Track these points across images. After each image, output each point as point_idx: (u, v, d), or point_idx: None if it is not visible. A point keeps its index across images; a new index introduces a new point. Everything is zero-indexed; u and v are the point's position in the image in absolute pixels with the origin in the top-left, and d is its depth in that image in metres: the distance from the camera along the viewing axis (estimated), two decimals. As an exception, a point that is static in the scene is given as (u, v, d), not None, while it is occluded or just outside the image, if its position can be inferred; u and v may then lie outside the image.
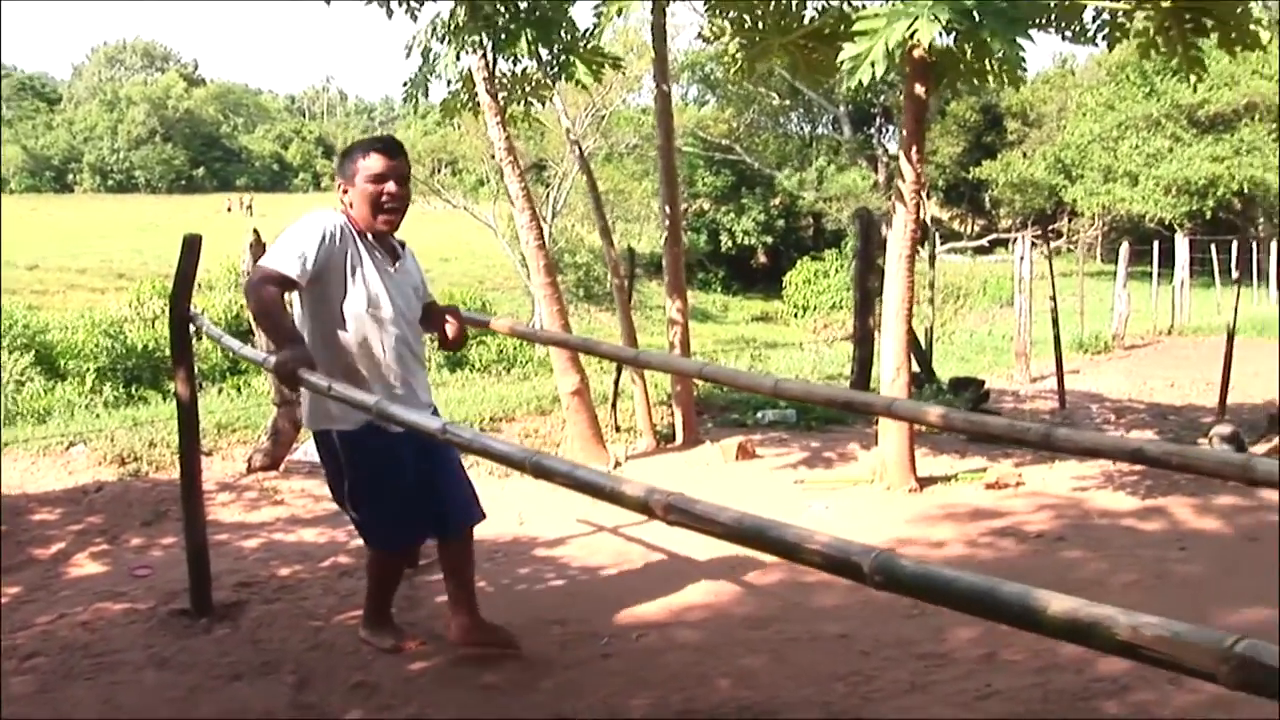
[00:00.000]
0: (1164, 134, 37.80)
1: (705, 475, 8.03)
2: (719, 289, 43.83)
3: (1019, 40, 5.63)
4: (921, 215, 7.27)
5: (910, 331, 11.10)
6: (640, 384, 9.06)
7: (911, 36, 5.50)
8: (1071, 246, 44.32)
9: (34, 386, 16.18)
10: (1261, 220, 41.18)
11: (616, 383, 9.76)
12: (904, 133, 7.11)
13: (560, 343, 8.01)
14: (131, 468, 8.19)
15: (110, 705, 4.02)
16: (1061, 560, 5.77)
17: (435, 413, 4.20)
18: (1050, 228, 45.41)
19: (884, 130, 49.04)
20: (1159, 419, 11.13)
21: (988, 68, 6.78)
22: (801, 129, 49.12)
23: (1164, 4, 6.72)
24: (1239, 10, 6.75)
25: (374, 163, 3.99)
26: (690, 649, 4.50)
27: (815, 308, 36.39)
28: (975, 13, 5.49)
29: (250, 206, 61.81)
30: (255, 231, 7.98)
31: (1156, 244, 23.86)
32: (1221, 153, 35.77)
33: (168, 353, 13.64)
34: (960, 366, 14.61)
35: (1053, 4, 6.87)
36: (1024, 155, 43.56)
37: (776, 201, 43.62)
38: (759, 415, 10.02)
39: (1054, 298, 12.22)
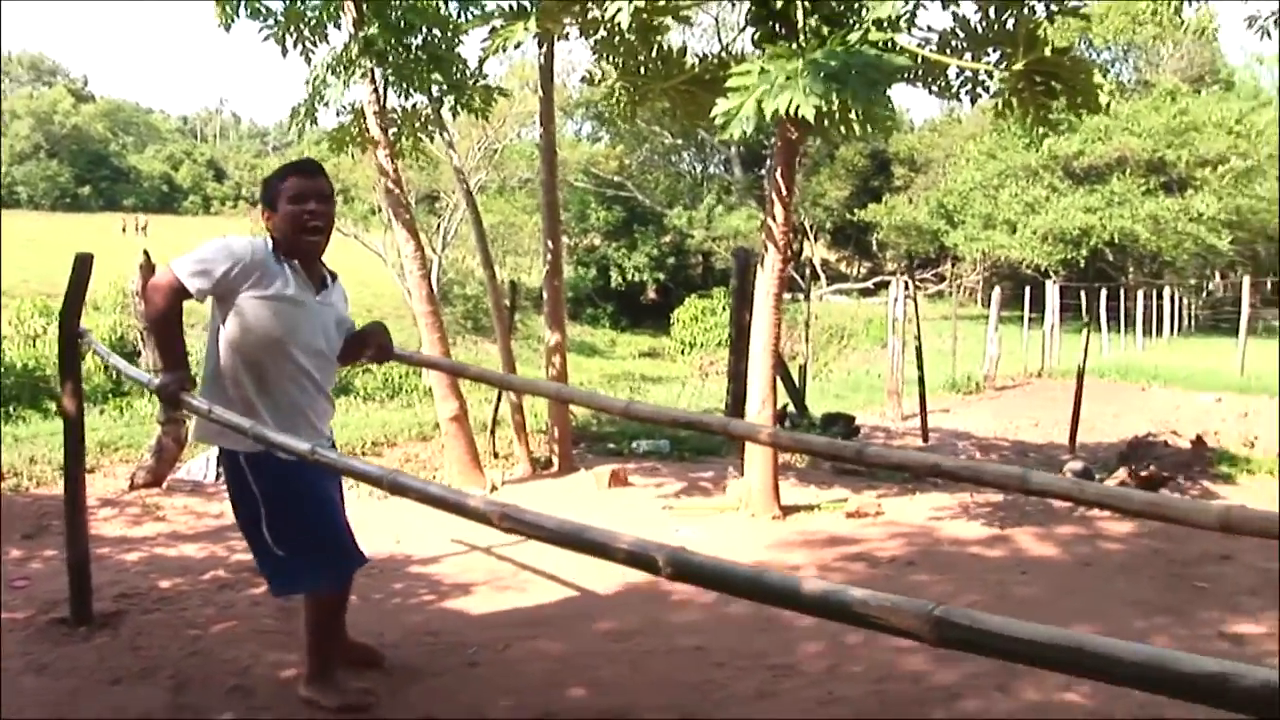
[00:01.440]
0: (1042, 184, 39.13)
1: (579, 501, 8.29)
2: (608, 324, 44.15)
3: (876, 98, 6.02)
4: (790, 256, 7.64)
5: (784, 368, 11.57)
6: (519, 414, 9.33)
7: (789, 107, 5.84)
8: (954, 290, 45.58)
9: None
10: (1131, 269, 42.73)
11: (496, 410, 10.03)
12: (775, 176, 7.47)
13: (434, 365, 8.20)
14: (11, 483, 8.23)
15: (-12, 707, 4.13)
16: (909, 583, 6.14)
17: (333, 446, 4.26)
18: (933, 271, 46.66)
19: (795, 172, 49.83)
20: (1020, 455, 11.69)
21: (853, 120, 7.18)
22: (693, 168, 49.81)
23: (1016, 67, 7.21)
24: (1083, 77, 7.25)
25: (293, 184, 3.88)
26: (553, 659, 4.76)
27: (702, 344, 36.83)
28: (838, 76, 5.85)
29: (145, 228, 60.82)
30: (145, 253, 8.08)
31: (1028, 289, 24.73)
32: (1094, 204, 37.13)
33: (47, 372, 13.51)
34: (836, 404, 15.09)
35: (909, 66, 7.22)
36: (909, 200, 44.64)
37: (667, 239, 44.13)
38: (634, 445, 10.35)
39: (919, 338, 12.75)
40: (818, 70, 5.84)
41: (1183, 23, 37.36)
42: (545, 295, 9.77)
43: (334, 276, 4.16)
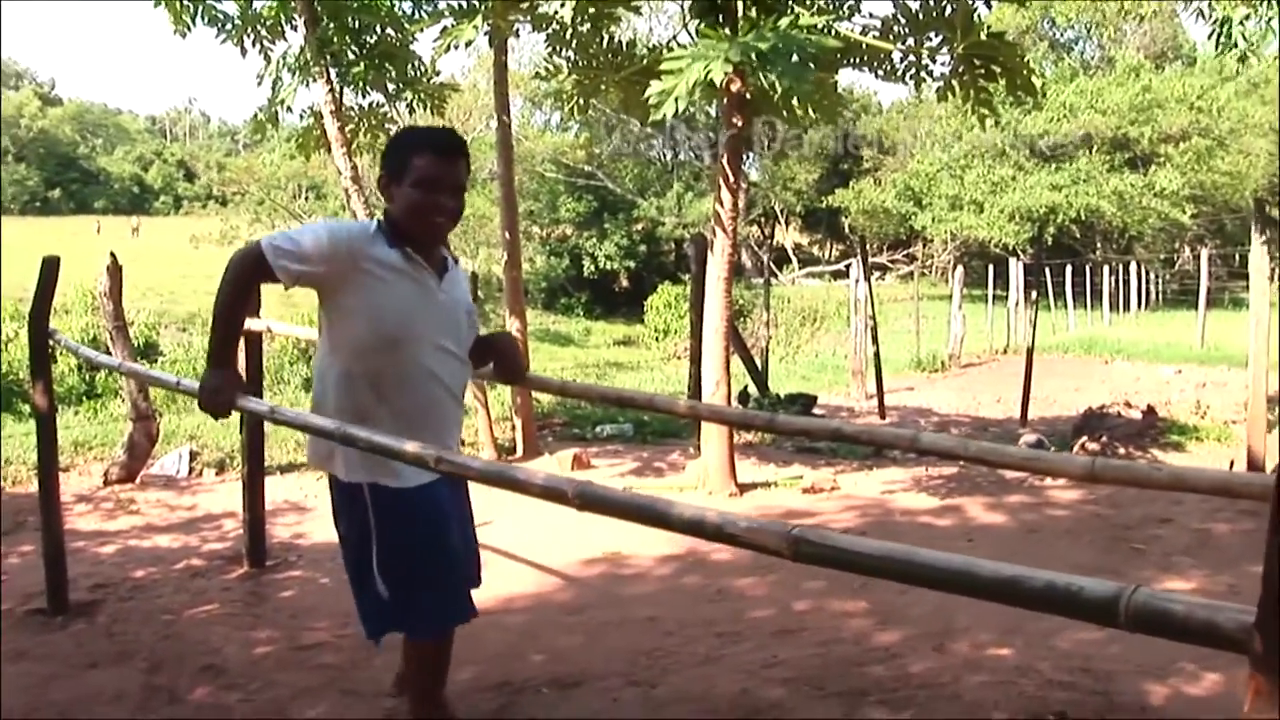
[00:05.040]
0: (1008, 163, 39.41)
1: (543, 484, 8.44)
2: (582, 313, 44.21)
3: (805, 78, 6.24)
4: (738, 241, 7.85)
5: (744, 350, 11.79)
6: (482, 399, 9.52)
7: (707, 77, 6.08)
8: (925, 271, 45.86)
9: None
10: (1099, 245, 43.11)
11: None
12: (721, 163, 7.68)
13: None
14: (-13, 483, 8.39)
15: (-33, 694, 4.30)
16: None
17: None
18: (904, 253, 46.93)
19: (744, 158, 49.95)
20: (980, 430, 11.94)
21: (795, 104, 7.41)
22: (663, 155, 49.88)
23: (957, 51, 7.45)
24: (1018, 60, 7.50)
25: (426, 166, 3.21)
26: (512, 631, 4.97)
27: (676, 331, 36.97)
28: (766, 56, 6.08)
29: (137, 229, 60.91)
30: (112, 254, 8.21)
31: (992, 268, 24.97)
32: (1060, 182, 37.44)
33: (20, 376, 13.56)
34: (802, 384, 15.32)
35: (839, 49, 7.43)
36: (877, 183, 44.84)
37: (639, 227, 44.24)
38: (598, 429, 10.56)
39: (873, 318, 12.98)
40: (746, 51, 6.06)
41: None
42: (505, 285, 9.97)
43: (455, 260, 3.55)
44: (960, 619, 4.81)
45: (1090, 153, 37.85)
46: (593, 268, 42.89)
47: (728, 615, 5.19)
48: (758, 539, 1.66)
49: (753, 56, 6.05)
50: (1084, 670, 4.27)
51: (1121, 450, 9.80)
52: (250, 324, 5.84)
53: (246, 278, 3.18)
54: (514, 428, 9.81)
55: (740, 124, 7.55)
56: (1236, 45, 9.41)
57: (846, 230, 49.86)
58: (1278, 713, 1.08)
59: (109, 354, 8.07)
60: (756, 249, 42.63)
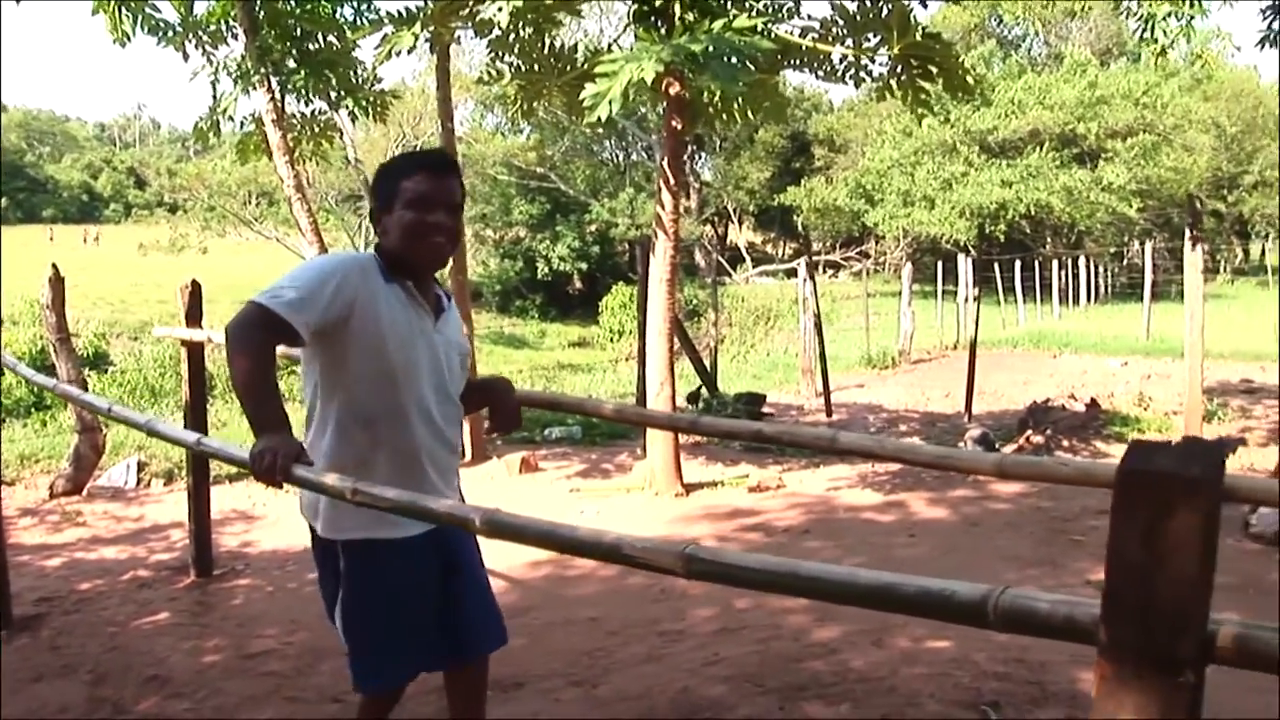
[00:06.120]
0: (959, 159, 39.68)
1: (489, 488, 8.55)
2: (536, 315, 44.14)
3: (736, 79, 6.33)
4: (692, 242, 7.91)
5: (693, 350, 11.87)
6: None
7: (640, 78, 6.16)
8: (878, 268, 46.10)
9: None
10: (1049, 239, 43.51)
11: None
12: (662, 165, 7.75)
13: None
14: (-71, 500, 8.33)
15: (-90, 711, 4.30)
16: (801, 549, 6.46)
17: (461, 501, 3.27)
18: (857, 250, 47.17)
19: (696, 158, 50.18)
20: (928, 425, 12.08)
21: (733, 106, 7.51)
22: (615, 156, 49.92)
23: (893, 53, 7.56)
24: (953, 60, 7.63)
25: (417, 184, 2.97)
26: (457, 635, 5.02)
27: (630, 332, 36.97)
28: (699, 59, 6.17)
29: (97, 238, 60.43)
30: (53, 265, 8.16)
31: (941, 264, 25.16)
32: (1010, 178, 37.74)
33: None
34: (753, 384, 15.42)
35: (774, 51, 7.52)
36: (829, 180, 45.03)
37: (592, 229, 44.26)
38: (546, 432, 10.61)
39: (817, 316, 13.09)
40: (678, 53, 6.14)
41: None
42: (451, 289, 9.98)
43: (448, 296, 3.23)
44: (899, 614, 4.88)
45: (1039, 149, 38.15)
46: (546, 270, 42.84)
47: (670, 614, 5.25)
48: (653, 559, 1.71)
49: (684, 58, 6.12)
50: (1019, 661, 4.36)
51: (1065, 443, 9.94)
52: (191, 334, 5.85)
53: (258, 345, 2.79)
54: (461, 432, 9.83)
55: (680, 126, 7.62)
56: (1158, 40, 9.64)
57: (799, 228, 50.08)
58: (1123, 694, 1.15)
59: (52, 366, 8.03)
60: (709, 249, 42.77)
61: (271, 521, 7.53)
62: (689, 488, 8.02)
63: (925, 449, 2.65)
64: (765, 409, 12.15)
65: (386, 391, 2.93)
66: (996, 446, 9.66)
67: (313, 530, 3.12)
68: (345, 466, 2.78)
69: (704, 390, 12.27)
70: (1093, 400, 11.55)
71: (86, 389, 8.57)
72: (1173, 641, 1.12)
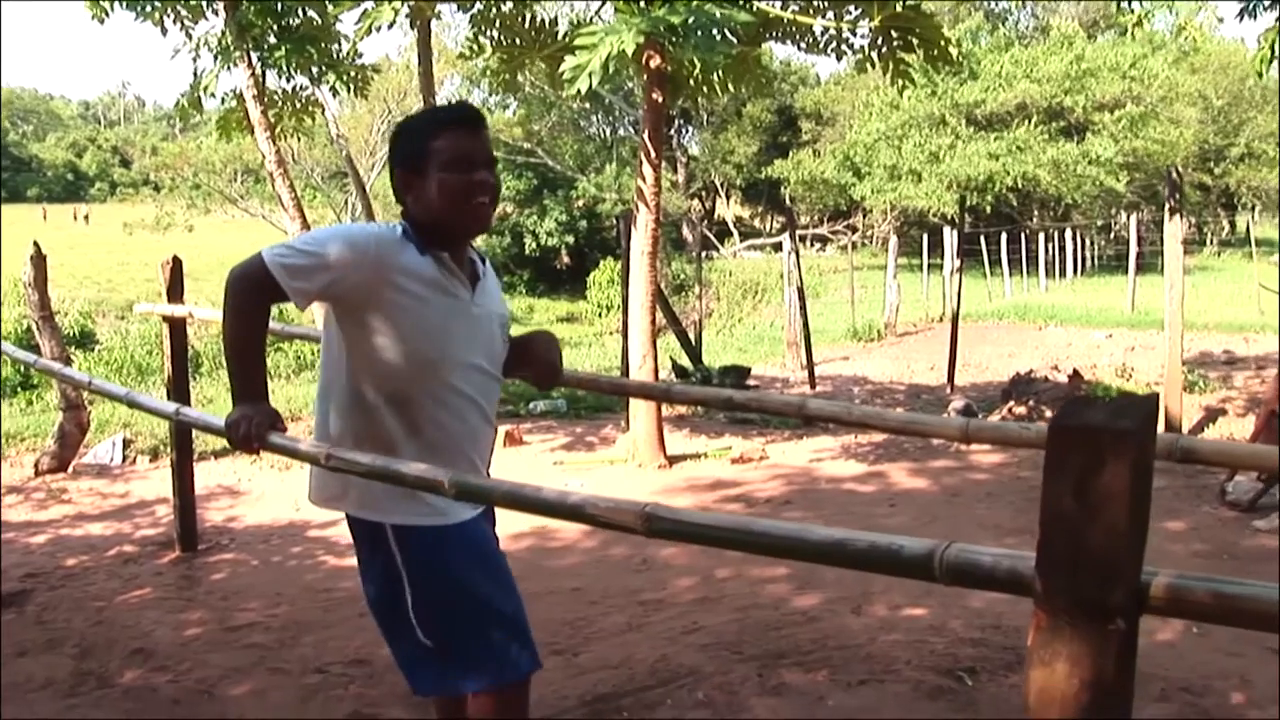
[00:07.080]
0: (946, 132, 39.65)
1: (475, 462, 8.51)
2: (524, 291, 44.09)
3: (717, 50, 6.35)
4: (678, 215, 7.94)
5: (677, 324, 11.90)
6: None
7: (619, 50, 6.18)
8: (865, 241, 46.12)
9: None
10: (1036, 212, 43.55)
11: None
12: (643, 138, 7.76)
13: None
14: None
15: (-105, 685, 4.32)
16: (782, 519, 6.51)
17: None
18: (845, 223, 47.18)
19: (683, 132, 50.09)
20: (913, 397, 12.13)
21: (714, 79, 7.52)
22: (602, 131, 49.83)
23: (874, 24, 7.57)
24: (935, 31, 7.64)
25: (452, 142, 2.68)
26: (439, 607, 5.06)
27: (617, 307, 36.89)
28: (679, 31, 6.19)
29: (87, 218, 60.22)
30: (35, 244, 8.17)
31: (926, 237, 25.18)
32: (997, 150, 37.73)
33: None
34: (739, 357, 15.48)
35: (753, 23, 7.53)
36: (816, 154, 44.99)
37: (579, 204, 44.17)
38: (531, 406, 10.64)
39: (800, 288, 13.12)
40: (656, 24, 6.16)
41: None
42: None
43: (483, 259, 2.93)
44: (878, 582, 4.94)
45: (1027, 122, 38.13)
46: (534, 245, 42.77)
47: (651, 584, 5.30)
48: (615, 517, 1.74)
49: (664, 30, 6.14)
50: (995, 628, 4.42)
51: (1048, 414, 9.98)
52: (173, 310, 5.86)
53: (252, 303, 2.66)
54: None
55: (661, 99, 7.63)
56: (1134, 11, 9.73)
57: (787, 202, 50.07)
58: (1057, 642, 1.19)
59: (36, 344, 8.03)
60: (696, 223, 42.74)
61: (256, 497, 7.55)
62: (672, 459, 8.07)
63: (892, 415, 2.68)
64: (750, 382, 12.18)
65: (421, 375, 2.69)
66: (980, 417, 9.72)
67: (355, 521, 2.79)
68: (377, 449, 2.57)
69: (689, 362, 12.31)
70: (1075, 372, 11.60)
71: (70, 366, 8.57)
72: (1104, 591, 1.16)
